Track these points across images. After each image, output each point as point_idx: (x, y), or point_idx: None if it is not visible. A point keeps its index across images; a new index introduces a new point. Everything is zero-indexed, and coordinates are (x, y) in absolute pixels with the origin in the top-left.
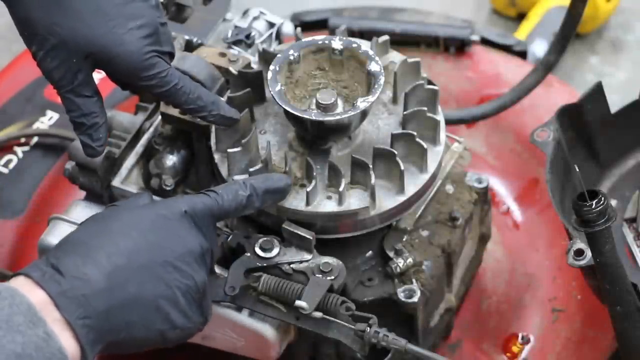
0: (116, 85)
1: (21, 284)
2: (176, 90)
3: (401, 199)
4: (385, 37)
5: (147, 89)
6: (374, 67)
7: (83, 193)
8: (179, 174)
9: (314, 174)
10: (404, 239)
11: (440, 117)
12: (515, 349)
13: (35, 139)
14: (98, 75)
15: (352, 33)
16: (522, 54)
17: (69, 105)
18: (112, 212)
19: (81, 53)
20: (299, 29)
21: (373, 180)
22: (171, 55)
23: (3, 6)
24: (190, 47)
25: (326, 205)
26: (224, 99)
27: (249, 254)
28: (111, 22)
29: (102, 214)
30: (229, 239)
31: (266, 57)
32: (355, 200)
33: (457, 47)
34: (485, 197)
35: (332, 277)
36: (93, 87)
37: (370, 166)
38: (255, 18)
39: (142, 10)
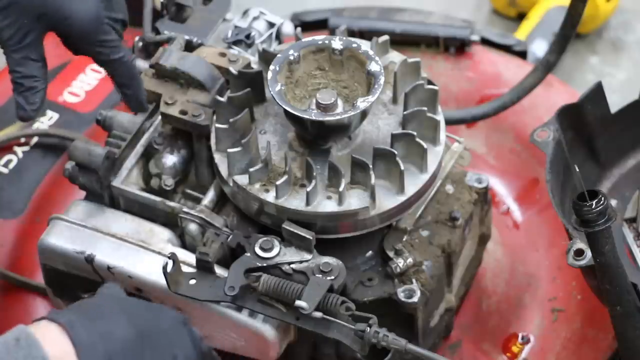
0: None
1: (43, 332)
2: (120, 63)
3: (401, 199)
4: (385, 37)
5: (96, 55)
6: (374, 67)
7: (83, 193)
8: (179, 174)
9: (314, 174)
10: (404, 239)
11: (440, 117)
12: (515, 349)
13: (35, 139)
14: (98, 75)
15: (352, 33)
16: (522, 54)
17: (12, 65)
18: (127, 298)
19: (33, 13)
20: (299, 29)
21: (373, 180)
22: (124, 23)
23: None
24: (190, 47)
25: (326, 205)
26: (224, 98)
27: (249, 254)
28: None
29: (112, 296)
30: (229, 239)
31: (266, 57)
32: (355, 200)
33: (457, 47)
34: (485, 197)
35: (332, 277)
36: (40, 52)
37: (370, 166)
38: (255, 18)
39: None
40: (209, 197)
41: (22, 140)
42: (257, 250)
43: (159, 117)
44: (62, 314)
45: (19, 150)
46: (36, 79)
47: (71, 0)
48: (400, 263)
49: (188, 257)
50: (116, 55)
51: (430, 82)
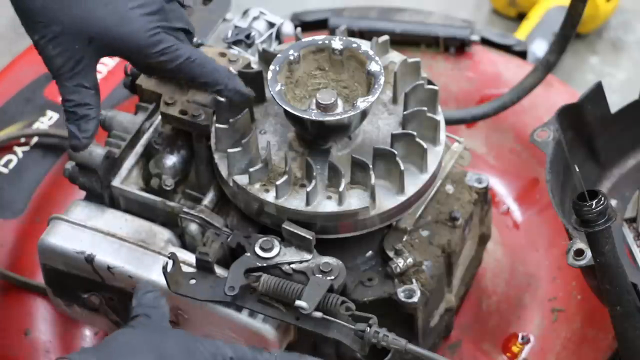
0: (116, 86)
1: None
2: (189, 63)
3: (401, 199)
4: (385, 37)
5: (160, 67)
6: (374, 67)
7: (83, 193)
8: (179, 174)
9: (314, 174)
10: (404, 239)
11: (440, 117)
12: (515, 349)
13: (35, 139)
14: (98, 75)
15: (352, 33)
16: (522, 54)
17: (65, 94)
18: (160, 332)
19: (83, 38)
20: (299, 29)
21: (373, 180)
22: (186, 32)
23: (3, 7)
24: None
25: (326, 205)
26: (224, 98)
27: (249, 254)
28: (111, 4)
29: (149, 328)
30: (229, 239)
31: (266, 57)
32: (355, 200)
33: (457, 47)
34: (485, 197)
35: (332, 277)
36: (93, 79)
37: (370, 166)
38: (255, 18)
39: None
40: (209, 197)
41: (22, 140)
42: (257, 250)
43: (159, 117)
44: (82, 356)
45: (19, 150)
46: (89, 106)
47: (119, 20)
48: (400, 263)
49: (188, 257)
50: (181, 59)
51: (430, 82)
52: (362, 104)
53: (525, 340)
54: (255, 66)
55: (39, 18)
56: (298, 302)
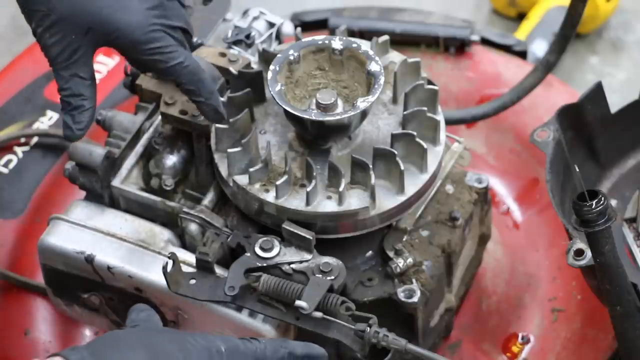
0: (116, 86)
1: None
2: (181, 68)
3: (401, 199)
4: (385, 37)
5: (151, 65)
6: (374, 67)
7: (83, 193)
8: (179, 174)
9: (314, 174)
10: (404, 239)
11: (440, 117)
12: (515, 349)
13: (35, 139)
14: (98, 75)
15: (352, 33)
16: (522, 54)
17: (61, 83)
18: (153, 330)
19: (81, 28)
20: (299, 29)
21: (373, 180)
22: (184, 31)
23: (3, 7)
24: (190, 47)
25: (326, 205)
26: (223, 98)
27: (249, 254)
28: None
29: (144, 327)
30: (229, 239)
31: (266, 57)
32: (355, 200)
33: (457, 47)
34: (485, 197)
35: (332, 277)
36: (89, 70)
37: (370, 166)
38: (255, 18)
39: None
40: (209, 197)
41: (22, 140)
42: (257, 250)
43: (159, 117)
44: (76, 351)
45: (19, 150)
46: (83, 97)
47: (117, 11)
48: (400, 263)
49: (188, 257)
50: (174, 61)
51: (430, 82)
52: (362, 104)
53: (525, 340)
54: (255, 66)
55: (37, 6)
56: (298, 302)
